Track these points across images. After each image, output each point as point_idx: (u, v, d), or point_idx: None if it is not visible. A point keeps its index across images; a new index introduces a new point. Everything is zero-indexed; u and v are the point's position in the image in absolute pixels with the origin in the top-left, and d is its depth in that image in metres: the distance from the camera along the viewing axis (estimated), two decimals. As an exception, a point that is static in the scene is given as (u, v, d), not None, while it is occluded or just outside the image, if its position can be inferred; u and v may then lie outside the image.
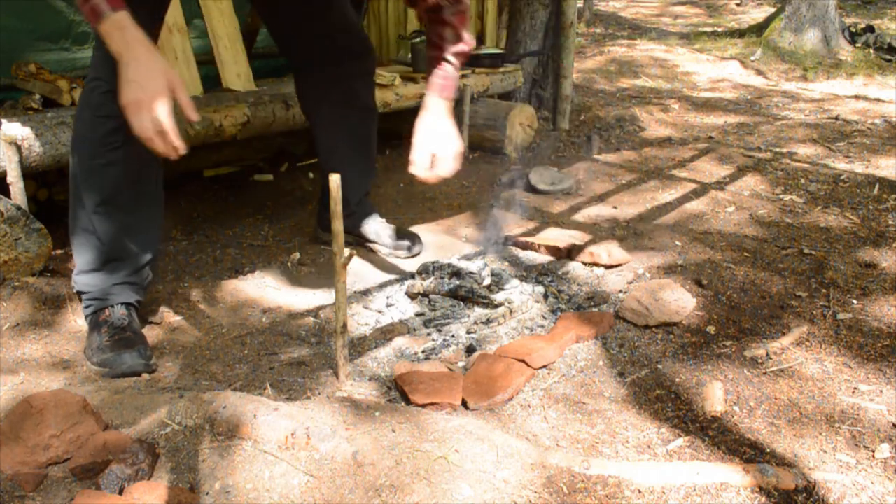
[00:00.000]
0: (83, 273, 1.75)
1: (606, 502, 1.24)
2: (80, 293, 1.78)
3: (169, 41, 2.82)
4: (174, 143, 1.43)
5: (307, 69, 2.25)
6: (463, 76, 3.50)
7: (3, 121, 2.07)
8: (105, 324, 1.71)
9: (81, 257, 1.75)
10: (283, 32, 2.22)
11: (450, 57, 1.94)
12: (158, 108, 1.41)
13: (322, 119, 2.30)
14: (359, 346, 1.81)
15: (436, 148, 1.85)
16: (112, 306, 1.74)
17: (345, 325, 1.56)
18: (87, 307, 1.76)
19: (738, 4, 10.47)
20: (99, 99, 1.64)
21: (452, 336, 1.87)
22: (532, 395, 1.59)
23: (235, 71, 3.08)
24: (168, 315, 1.95)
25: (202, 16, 2.99)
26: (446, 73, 1.95)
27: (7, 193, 2.01)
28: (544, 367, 1.69)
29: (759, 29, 7.21)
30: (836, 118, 4.29)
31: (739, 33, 7.47)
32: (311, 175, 3.18)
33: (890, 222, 2.54)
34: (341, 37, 2.18)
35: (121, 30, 1.42)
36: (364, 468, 1.25)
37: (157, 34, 1.75)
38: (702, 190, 2.96)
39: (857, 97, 5.07)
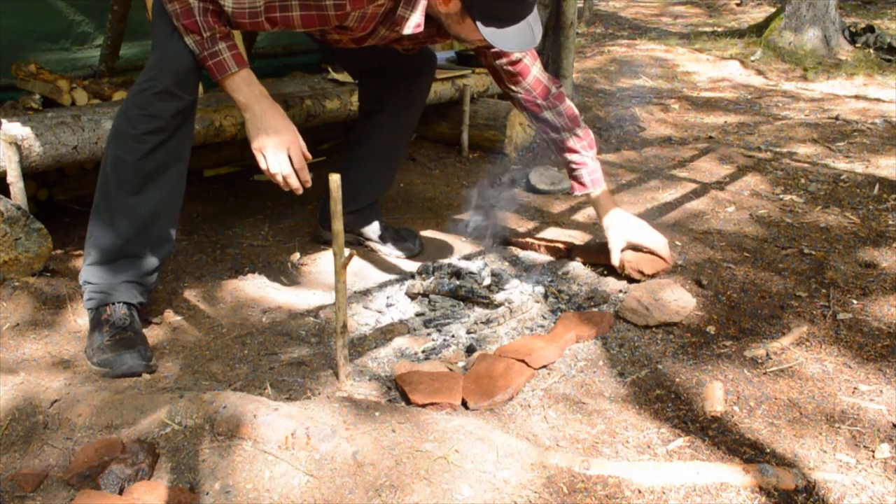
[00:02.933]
0: (93, 265, 1.76)
1: (606, 502, 1.24)
2: (86, 283, 1.78)
3: (169, 41, 2.82)
4: (305, 178, 1.71)
5: (375, 79, 2.31)
6: (463, 76, 3.50)
7: (3, 121, 2.07)
8: (106, 323, 1.71)
9: (95, 249, 1.75)
10: (359, 58, 2.26)
11: (579, 147, 2.10)
12: (293, 150, 1.69)
13: (377, 121, 2.32)
14: (359, 346, 1.81)
15: (646, 245, 2.09)
16: (114, 304, 1.74)
17: (345, 325, 1.56)
18: (89, 300, 1.76)
19: (738, 4, 10.47)
20: (148, 98, 1.68)
21: (452, 336, 1.87)
22: (532, 395, 1.59)
23: (235, 71, 3.07)
24: (168, 315, 1.95)
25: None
26: (586, 165, 2.11)
27: (7, 193, 2.01)
28: (544, 367, 1.69)
29: (759, 29, 7.21)
30: (836, 118, 4.29)
31: (739, 33, 7.47)
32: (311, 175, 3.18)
33: (890, 222, 2.54)
34: (413, 56, 2.20)
35: (249, 85, 1.68)
36: (364, 468, 1.25)
37: None
38: (702, 190, 2.96)
39: (857, 97, 5.07)
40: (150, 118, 1.68)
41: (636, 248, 2.11)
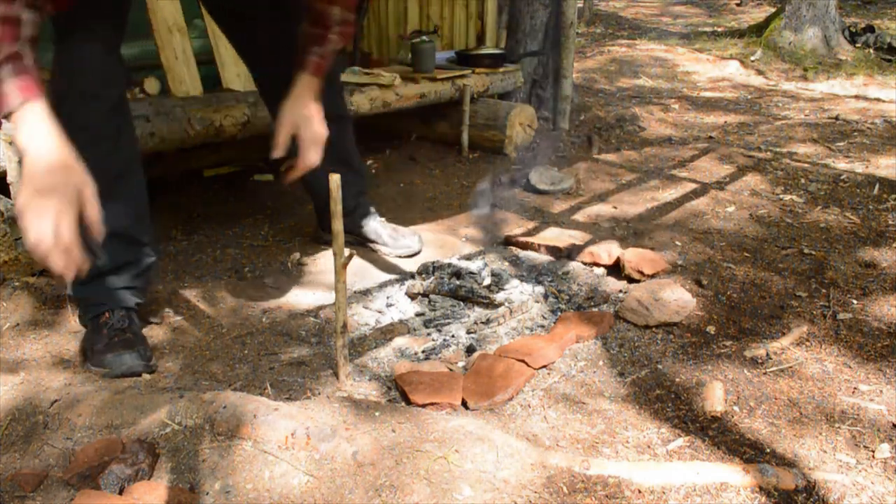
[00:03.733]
0: (81, 285, 1.74)
1: (606, 502, 1.24)
2: (79, 301, 1.78)
3: (169, 41, 2.82)
4: (76, 261, 1.21)
5: (274, 85, 2.01)
6: (463, 76, 3.50)
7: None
8: (105, 326, 1.71)
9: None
10: (247, 48, 2.15)
11: (334, 35, 1.81)
12: (63, 217, 1.19)
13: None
14: (359, 346, 1.81)
15: (302, 132, 1.75)
16: (111, 310, 1.74)
17: (345, 325, 1.56)
18: (85, 312, 1.76)
19: (738, 4, 10.47)
20: (74, 108, 1.57)
21: (452, 336, 1.87)
22: (532, 395, 1.59)
23: (235, 71, 3.08)
24: (168, 315, 1.95)
25: (202, 16, 2.99)
26: (325, 51, 1.81)
27: (7, 193, 2.01)
28: (544, 367, 1.69)
29: (759, 29, 7.20)
30: (836, 118, 4.29)
31: (739, 33, 7.47)
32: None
33: (890, 222, 2.54)
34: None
35: (27, 123, 1.22)
36: (364, 468, 1.25)
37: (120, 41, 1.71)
38: (702, 190, 2.96)
39: (857, 97, 5.07)
40: (79, 129, 1.52)
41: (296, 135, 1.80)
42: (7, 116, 1.24)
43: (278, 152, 1.74)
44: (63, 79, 1.57)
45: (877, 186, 2.93)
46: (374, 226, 2.40)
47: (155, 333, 1.86)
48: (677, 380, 1.63)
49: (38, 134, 1.22)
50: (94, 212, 1.24)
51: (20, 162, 1.24)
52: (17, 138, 1.22)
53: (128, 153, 1.72)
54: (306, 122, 1.76)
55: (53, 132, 1.23)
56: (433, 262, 2.17)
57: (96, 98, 1.59)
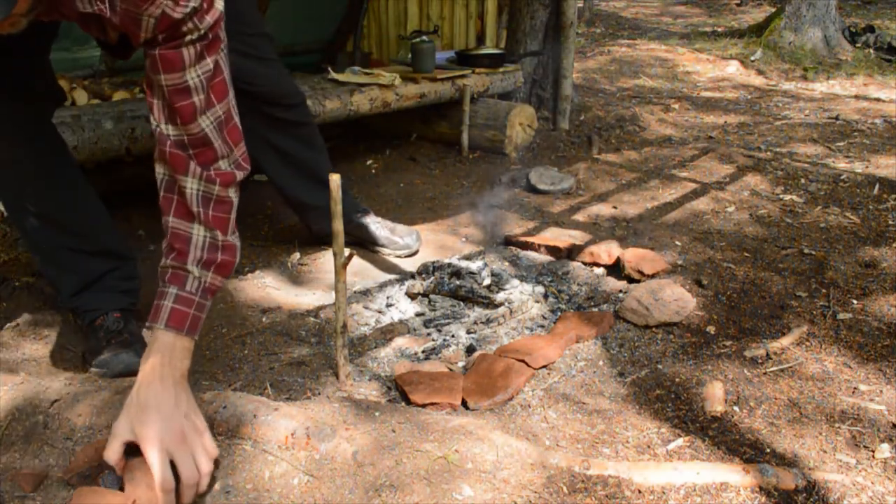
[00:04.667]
0: (70, 297, 1.75)
1: (606, 502, 1.24)
2: (73, 311, 1.79)
3: (169, 41, 2.82)
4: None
5: None
6: (463, 76, 3.50)
7: None
8: (101, 329, 1.71)
9: (62, 284, 1.74)
10: None
11: (195, 270, 1.27)
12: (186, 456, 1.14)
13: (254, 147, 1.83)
14: (359, 346, 1.81)
15: (177, 458, 1.15)
16: (105, 313, 1.74)
17: (345, 325, 1.56)
18: (82, 319, 1.77)
19: (738, 4, 10.47)
20: None
21: (452, 336, 1.87)
22: (532, 395, 1.59)
23: (235, 71, 3.07)
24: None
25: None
26: (192, 292, 1.27)
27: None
28: (544, 367, 1.69)
29: (759, 29, 7.20)
30: (836, 118, 4.29)
31: (739, 33, 7.47)
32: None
33: (890, 222, 2.54)
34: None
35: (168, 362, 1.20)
36: (364, 468, 1.25)
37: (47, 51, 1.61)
38: (702, 190, 2.96)
39: (857, 97, 5.07)
40: None
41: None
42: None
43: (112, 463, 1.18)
44: None
45: (877, 186, 2.93)
46: (373, 225, 2.40)
47: (155, 333, 1.86)
48: (677, 380, 1.63)
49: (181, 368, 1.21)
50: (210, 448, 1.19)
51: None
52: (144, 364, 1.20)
53: (48, 174, 1.62)
54: (187, 442, 1.17)
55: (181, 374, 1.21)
56: (433, 262, 2.17)
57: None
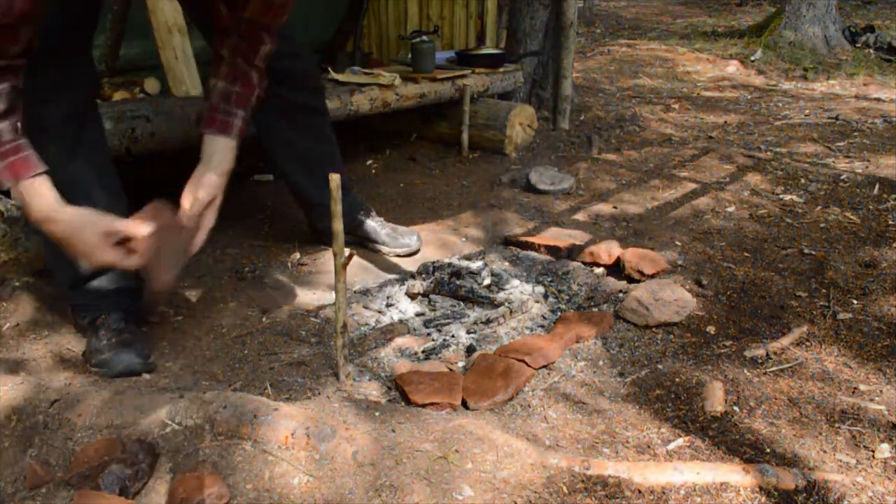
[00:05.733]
0: (71, 289, 1.74)
1: (606, 502, 1.24)
2: (73, 306, 1.78)
3: (169, 41, 2.82)
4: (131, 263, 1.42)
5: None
6: (463, 76, 3.50)
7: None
8: (102, 327, 1.71)
9: (64, 275, 1.73)
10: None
11: (255, 98, 1.69)
12: (105, 258, 1.40)
13: (266, 132, 2.17)
14: (359, 346, 1.81)
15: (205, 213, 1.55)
16: (107, 312, 1.74)
17: (345, 325, 1.56)
18: (82, 317, 1.76)
19: (738, 4, 10.47)
20: (32, 114, 1.55)
21: (452, 336, 1.87)
22: (532, 395, 1.59)
23: (235, 71, 3.07)
24: (168, 315, 1.95)
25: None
26: (247, 115, 1.67)
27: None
28: (544, 367, 1.69)
29: (759, 29, 7.21)
30: (836, 118, 4.29)
31: (739, 33, 7.47)
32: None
33: (890, 222, 2.54)
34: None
35: (30, 202, 1.36)
36: (364, 468, 1.25)
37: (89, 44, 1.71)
38: (702, 190, 2.96)
39: (857, 97, 5.07)
40: (38, 131, 1.53)
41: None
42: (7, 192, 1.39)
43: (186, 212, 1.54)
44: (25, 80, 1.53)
45: (877, 186, 2.93)
46: (374, 225, 2.40)
47: (155, 333, 1.86)
48: (677, 380, 1.63)
49: (35, 208, 1.36)
50: (125, 227, 1.41)
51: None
52: (26, 212, 1.39)
53: (90, 158, 1.67)
54: (211, 207, 1.58)
55: (48, 200, 1.37)
56: (433, 262, 2.17)
57: (47, 103, 1.56)
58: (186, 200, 1.53)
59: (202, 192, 1.54)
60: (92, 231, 1.38)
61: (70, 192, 1.42)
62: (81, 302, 1.74)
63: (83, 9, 1.66)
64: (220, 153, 1.60)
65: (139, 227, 1.41)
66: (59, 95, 1.59)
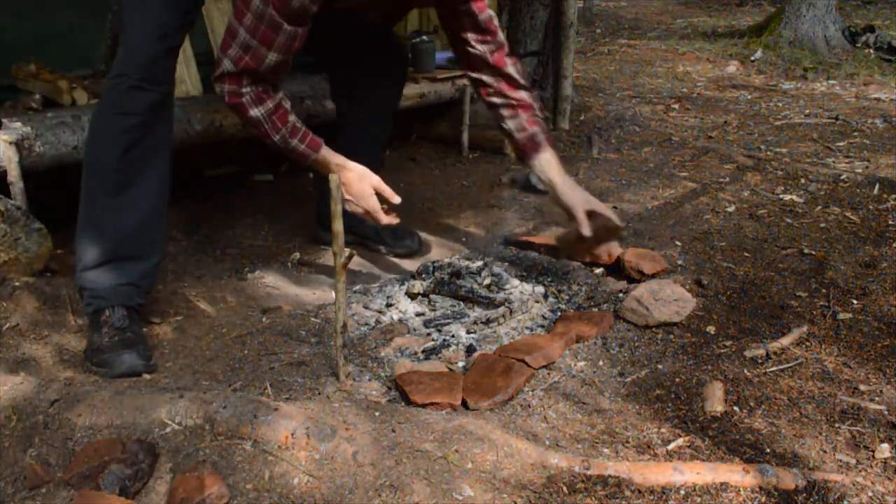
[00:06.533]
0: (87, 270, 1.75)
1: (606, 502, 1.24)
2: (82, 290, 1.78)
3: (169, 41, 2.82)
4: (383, 218, 1.91)
5: (347, 76, 2.33)
6: (463, 76, 3.50)
7: (4, 121, 2.07)
8: (105, 325, 1.71)
9: (87, 253, 1.74)
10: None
11: (527, 98, 2.04)
12: (370, 205, 1.88)
13: (348, 121, 2.35)
14: (359, 346, 1.81)
15: (598, 210, 1.99)
16: (113, 307, 1.74)
17: (345, 325, 1.56)
18: (87, 305, 1.76)
19: (738, 4, 10.47)
20: (120, 95, 1.68)
21: (452, 336, 1.87)
22: (532, 395, 1.59)
23: (235, 71, 3.07)
24: (168, 315, 1.95)
25: (202, 16, 2.99)
26: (539, 118, 2.05)
27: (7, 193, 2.01)
28: (544, 367, 1.69)
29: (759, 29, 7.20)
30: (836, 118, 4.29)
31: (739, 33, 7.47)
32: (311, 175, 3.18)
33: (890, 222, 2.54)
34: (383, 56, 2.29)
35: (327, 162, 1.85)
36: (364, 468, 1.25)
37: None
38: (702, 189, 2.96)
39: (857, 97, 5.07)
40: (124, 115, 1.68)
41: (591, 214, 2.00)
42: (308, 162, 1.87)
43: (586, 231, 1.97)
44: (122, 67, 1.71)
45: (877, 186, 2.93)
46: (374, 225, 2.39)
47: (155, 333, 1.86)
48: (677, 380, 1.63)
49: (335, 165, 1.85)
50: (387, 190, 1.89)
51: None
52: (323, 171, 1.84)
53: (155, 145, 1.76)
54: (596, 204, 2.01)
55: (342, 161, 1.87)
56: (433, 262, 2.17)
57: (143, 90, 1.68)
58: (584, 224, 1.97)
59: (587, 206, 1.99)
60: (370, 181, 1.86)
61: (138, 172, 1.72)
62: (92, 287, 1.74)
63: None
64: (546, 164, 2.04)
65: (395, 195, 1.89)
66: (154, 88, 1.72)
